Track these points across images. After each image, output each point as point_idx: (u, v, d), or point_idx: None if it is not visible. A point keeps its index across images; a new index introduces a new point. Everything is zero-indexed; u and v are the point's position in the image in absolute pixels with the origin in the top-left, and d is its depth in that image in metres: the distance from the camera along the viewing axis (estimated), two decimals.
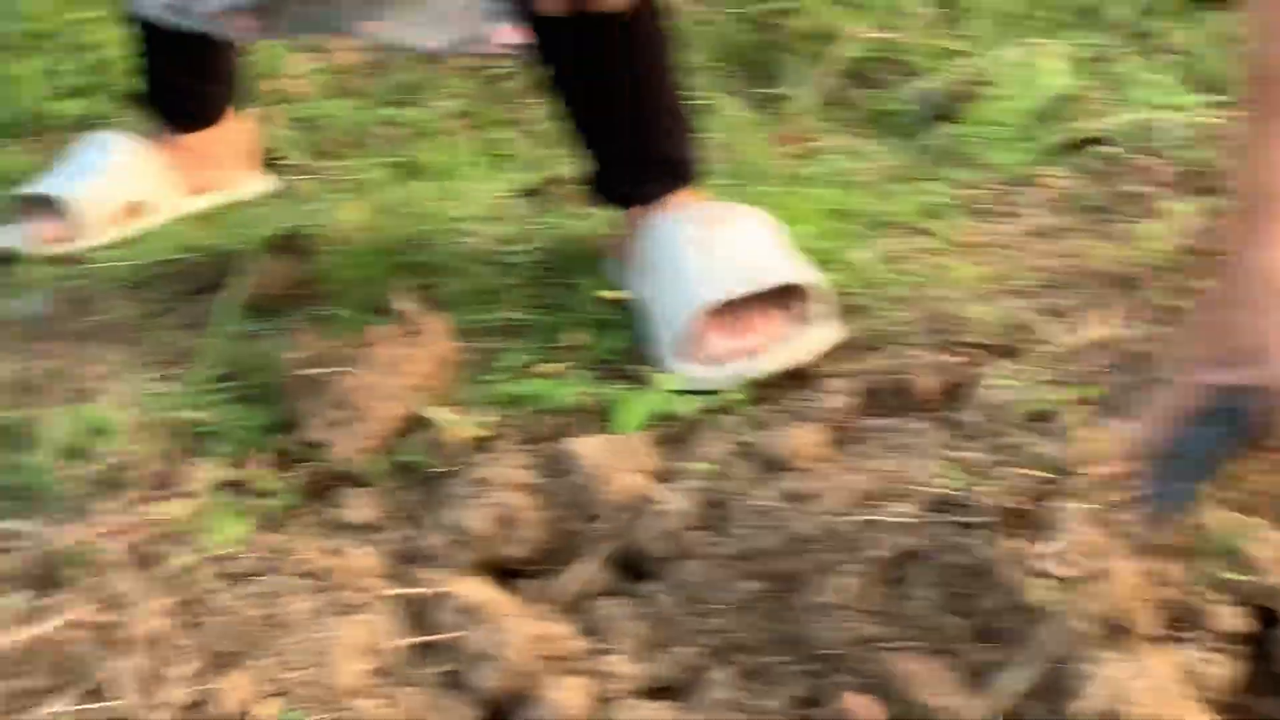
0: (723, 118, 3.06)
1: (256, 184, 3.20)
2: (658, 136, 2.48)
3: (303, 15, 2.85)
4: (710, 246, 2.32)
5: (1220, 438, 1.87)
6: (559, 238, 2.72)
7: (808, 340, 2.24)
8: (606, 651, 1.84)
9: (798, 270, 2.30)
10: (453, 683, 1.83)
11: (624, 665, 1.82)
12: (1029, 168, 2.75)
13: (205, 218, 3.06)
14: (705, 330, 2.24)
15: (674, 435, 2.13)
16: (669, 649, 1.85)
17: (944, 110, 2.98)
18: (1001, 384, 2.09)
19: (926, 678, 1.74)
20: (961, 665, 1.76)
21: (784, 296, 2.28)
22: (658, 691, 1.80)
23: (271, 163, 3.28)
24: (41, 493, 2.13)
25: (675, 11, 2.50)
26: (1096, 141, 2.77)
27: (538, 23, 2.39)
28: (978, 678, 1.75)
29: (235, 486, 2.09)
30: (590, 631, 1.88)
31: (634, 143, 2.48)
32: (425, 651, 1.86)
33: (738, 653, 1.83)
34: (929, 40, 3.20)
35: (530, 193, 2.94)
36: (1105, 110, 2.97)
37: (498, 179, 3.01)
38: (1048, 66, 2.98)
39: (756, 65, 3.29)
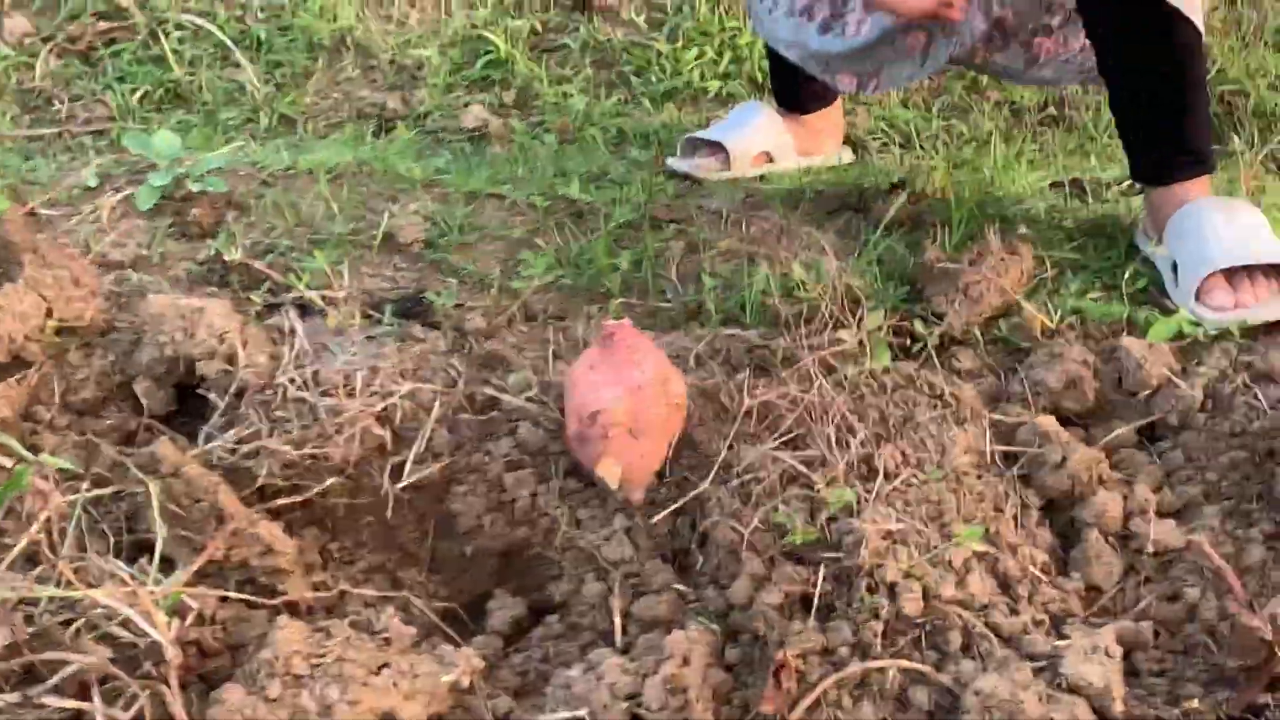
0: None
1: (843, 155, 3.32)
2: (1192, 131, 2.55)
3: (889, 79, 2.94)
4: (1226, 227, 2.46)
5: None
6: (1092, 214, 2.80)
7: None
8: (1130, 482, 2.06)
9: None
10: (1026, 481, 2.07)
11: (1144, 492, 2.03)
12: None
13: (818, 170, 3.20)
14: (1215, 285, 2.40)
15: (1188, 349, 2.29)
16: (1175, 488, 2.08)
17: None
18: None
19: None
20: None
21: (1270, 270, 2.43)
22: (1164, 514, 2.02)
23: (849, 142, 3.39)
24: (758, 314, 2.37)
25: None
26: None
27: (1105, 44, 2.54)
28: None
29: (891, 329, 2.30)
30: (1120, 467, 2.11)
31: (1175, 135, 2.55)
32: (1008, 457, 2.09)
33: (1224, 498, 2.04)
34: None
35: (1056, 185, 3.00)
36: None
37: (1030, 176, 3.05)
38: None
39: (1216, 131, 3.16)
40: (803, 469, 2.00)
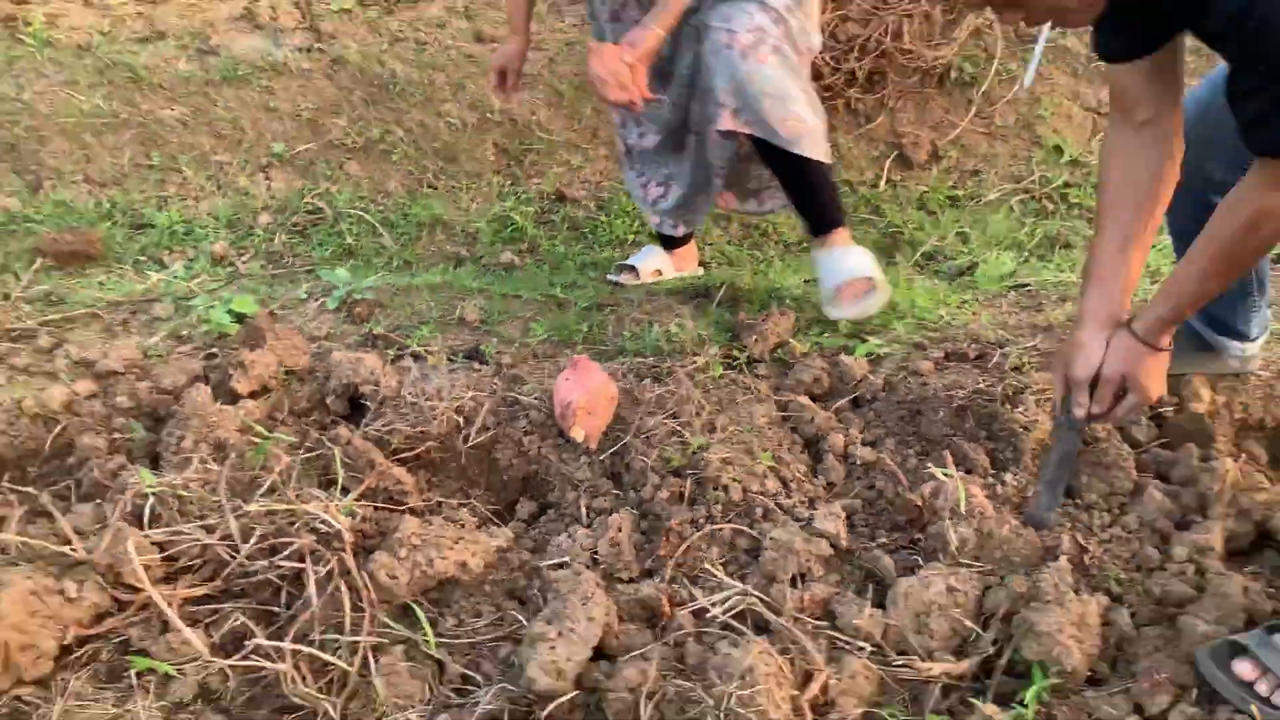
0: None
1: (698, 270, 3.11)
2: (829, 209, 2.43)
3: (692, 223, 2.82)
4: (840, 260, 2.40)
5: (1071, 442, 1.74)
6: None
7: (879, 300, 2.38)
8: (848, 428, 2.06)
9: (879, 273, 2.39)
10: (794, 430, 2.05)
11: (855, 433, 2.04)
12: (1000, 289, 2.66)
13: (685, 278, 3.00)
14: (835, 295, 2.38)
15: (875, 360, 2.26)
16: (871, 430, 2.07)
17: (962, 272, 2.90)
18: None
19: (969, 451, 1.94)
20: (981, 450, 1.96)
21: (864, 281, 2.37)
22: (865, 444, 2.02)
23: (702, 263, 3.22)
24: (655, 350, 2.31)
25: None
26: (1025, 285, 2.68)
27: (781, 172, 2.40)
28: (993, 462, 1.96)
29: (722, 356, 2.28)
30: (842, 420, 2.10)
31: (822, 209, 2.43)
32: (785, 418, 2.08)
33: (896, 435, 2.04)
34: (956, 246, 3.08)
35: (807, 281, 2.78)
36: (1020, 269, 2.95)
37: (794, 277, 2.91)
38: (1004, 258, 2.91)
39: (886, 250, 3.13)
40: (678, 428, 2.01)
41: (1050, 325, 2.32)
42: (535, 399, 2.12)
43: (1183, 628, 1.59)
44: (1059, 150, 3.51)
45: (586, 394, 2.01)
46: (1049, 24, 2.47)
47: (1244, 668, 1.45)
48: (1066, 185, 3.43)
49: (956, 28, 3.54)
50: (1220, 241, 1.39)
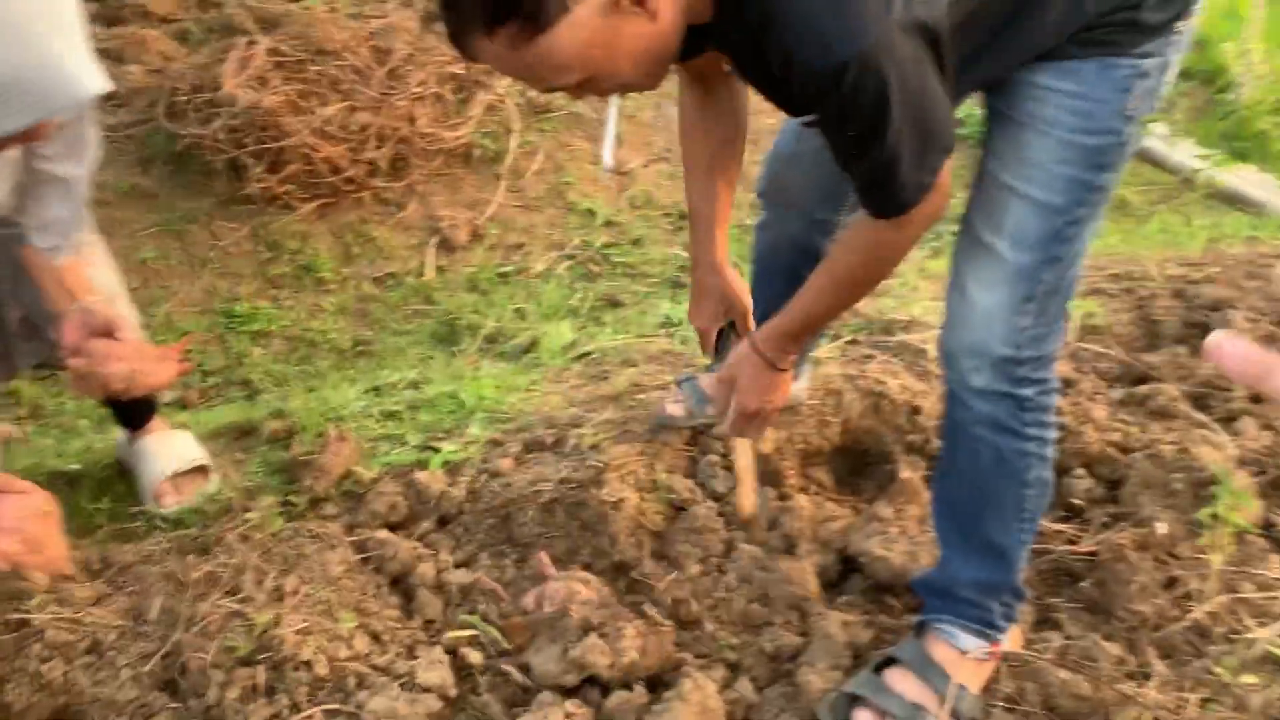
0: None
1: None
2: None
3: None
4: (165, 448, 2.07)
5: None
6: None
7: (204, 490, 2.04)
8: (436, 553, 1.87)
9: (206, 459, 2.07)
10: (378, 570, 1.82)
11: (444, 556, 1.85)
12: (564, 363, 2.60)
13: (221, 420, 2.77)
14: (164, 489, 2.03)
15: (453, 468, 2.07)
16: (463, 549, 1.89)
17: (526, 349, 2.79)
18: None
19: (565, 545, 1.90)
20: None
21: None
22: (459, 565, 1.84)
23: None
24: (197, 518, 2.00)
25: None
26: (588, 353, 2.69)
27: None
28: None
29: (279, 505, 1.97)
30: (430, 545, 1.90)
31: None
32: (365, 560, 1.83)
33: (491, 546, 1.88)
34: (516, 323, 2.98)
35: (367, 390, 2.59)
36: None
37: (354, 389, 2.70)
38: (562, 328, 2.87)
39: (446, 339, 3.02)
40: (239, 607, 1.71)
41: (618, 395, 2.31)
42: (50, 614, 1.70)
43: (799, 683, 1.59)
44: (592, 213, 3.61)
45: None
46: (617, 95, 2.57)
47: (864, 716, 1.47)
48: (607, 246, 3.54)
49: (470, 105, 3.53)
50: (841, 270, 1.40)
